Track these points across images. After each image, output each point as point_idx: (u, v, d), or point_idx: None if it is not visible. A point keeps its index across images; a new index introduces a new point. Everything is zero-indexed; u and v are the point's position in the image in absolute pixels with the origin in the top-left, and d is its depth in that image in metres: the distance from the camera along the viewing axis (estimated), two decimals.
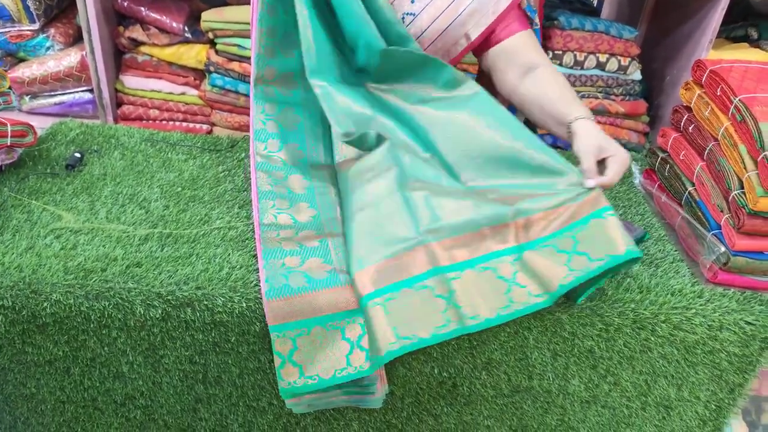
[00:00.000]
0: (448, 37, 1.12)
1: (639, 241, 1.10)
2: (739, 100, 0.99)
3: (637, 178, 1.29)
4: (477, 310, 0.89)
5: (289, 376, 0.90)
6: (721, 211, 1.02)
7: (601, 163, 0.94)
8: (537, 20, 1.14)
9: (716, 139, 1.05)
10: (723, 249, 0.99)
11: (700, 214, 1.08)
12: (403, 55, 1.04)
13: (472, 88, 1.05)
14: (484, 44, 1.13)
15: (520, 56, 1.09)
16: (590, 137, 0.96)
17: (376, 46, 1.03)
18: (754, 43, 1.67)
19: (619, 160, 0.93)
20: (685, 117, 1.15)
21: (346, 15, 1.04)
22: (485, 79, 1.30)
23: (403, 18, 1.12)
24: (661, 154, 1.22)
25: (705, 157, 1.08)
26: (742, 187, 0.98)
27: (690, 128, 1.13)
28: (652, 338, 0.97)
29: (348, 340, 0.90)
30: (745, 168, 0.97)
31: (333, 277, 0.92)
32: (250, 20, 1.14)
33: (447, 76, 1.05)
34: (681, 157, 1.14)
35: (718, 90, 1.05)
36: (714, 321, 0.96)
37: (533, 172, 0.95)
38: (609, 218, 0.89)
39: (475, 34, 1.11)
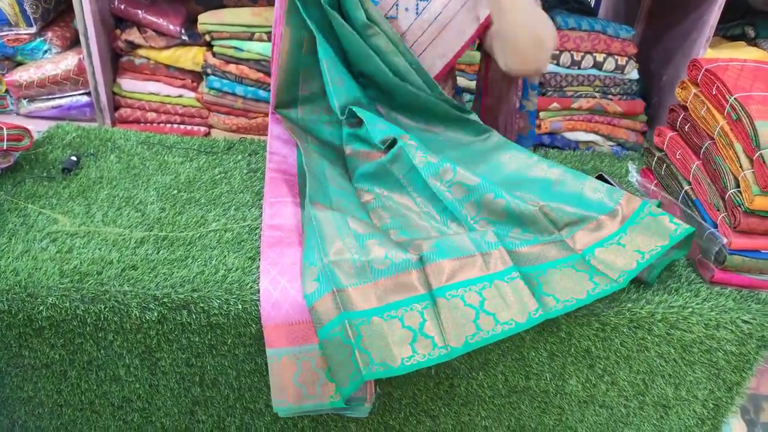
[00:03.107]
0: (459, 21, 1.13)
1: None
2: (735, 98, 0.99)
3: (635, 177, 1.29)
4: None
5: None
6: (718, 210, 1.02)
7: None
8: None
9: (712, 138, 1.05)
10: (725, 240, 0.98)
11: (696, 213, 1.08)
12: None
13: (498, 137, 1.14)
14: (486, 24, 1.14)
15: None
16: None
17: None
18: (751, 42, 1.67)
19: None
20: (681, 116, 1.15)
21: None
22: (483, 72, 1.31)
23: (416, 6, 1.14)
24: (657, 153, 1.22)
25: (701, 156, 1.08)
26: (738, 186, 0.97)
27: (686, 127, 1.13)
28: (649, 337, 0.97)
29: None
30: (741, 167, 0.97)
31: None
32: (273, 27, 1.18)
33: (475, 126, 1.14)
34: (677, 156, 1.14)
35: (714, 89, 1.05)
36: (711, 320, 0.95)
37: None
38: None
39: (485, 13, 1.12)
